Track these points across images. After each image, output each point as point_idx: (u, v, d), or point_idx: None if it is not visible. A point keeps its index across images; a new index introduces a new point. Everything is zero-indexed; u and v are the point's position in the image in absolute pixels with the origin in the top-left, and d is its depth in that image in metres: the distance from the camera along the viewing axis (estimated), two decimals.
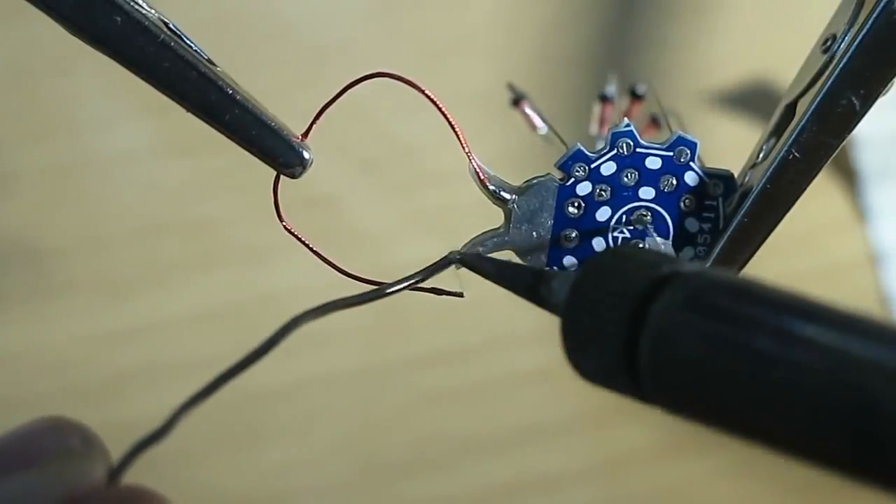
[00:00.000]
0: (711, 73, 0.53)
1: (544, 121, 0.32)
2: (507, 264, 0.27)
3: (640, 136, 0.28)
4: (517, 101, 0.33)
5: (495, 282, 0.27)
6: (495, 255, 0.28)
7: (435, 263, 0.27)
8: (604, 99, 0.34)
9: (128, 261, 0.52)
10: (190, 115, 0.26)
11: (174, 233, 0.53)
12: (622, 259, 0.23)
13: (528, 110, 0.33)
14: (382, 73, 0.27)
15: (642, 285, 0.21)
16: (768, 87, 0.52)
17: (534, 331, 0.51)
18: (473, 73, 0.54)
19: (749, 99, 0.52)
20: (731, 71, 0.53)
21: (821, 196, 0.51)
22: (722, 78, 0.53)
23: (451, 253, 0.27)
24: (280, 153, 0.27)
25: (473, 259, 0.27)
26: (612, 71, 0.37)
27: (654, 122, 0.33)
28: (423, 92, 0.27)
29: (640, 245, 0.28)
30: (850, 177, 0.52)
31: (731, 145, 0.51)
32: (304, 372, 0.52)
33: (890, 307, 0.52)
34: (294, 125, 0.27)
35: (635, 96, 0.33)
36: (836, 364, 0.19)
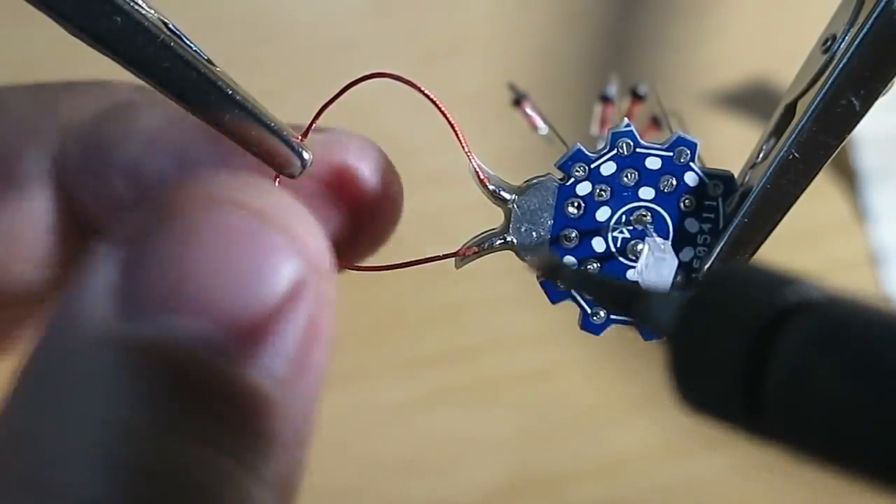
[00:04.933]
0: (711, 72, 0.53)
1: (545, 121, 0.32)
2: (592, 277, 0.27)
3: (640, 136, 0.28)
4: (518, 100, 0.33)
5: (575, 289, 0.27)
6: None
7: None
8: (605, 99, 0.34)
9: None
10: None
11: None
12: (739, 281, 0.21)
13: (529, 110, 0.33)
14: (382, 73, 0.27)
15: (767, 314, 0.19)
16: (768, 87, 0.52)
17: (534, 331, 0.51)
18: (473, 72, 0.54)
19: (749, 99, 0.52)
20: (730, 70, 0.53)
21: (821, 196, 0.51)
22: (722, 77, 0.53)
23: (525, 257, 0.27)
24: (279, 154, 0.27)
25: (553, 267, 0.27)
26: (613, 71, 0.37)
27: (655, 122, 0.33)
28: (422, 92, 0.27)
29: (644, 243, 0.28)
30: (850, 177, 0.52)
31: (731, 145, 0.51)
32: None
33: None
34: (294, 124, 0.27)
35: (636, 97, 0.33)
36: None
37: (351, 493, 0.51)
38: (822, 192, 0.51)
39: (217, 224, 0.22)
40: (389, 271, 0.29)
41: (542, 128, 0.32)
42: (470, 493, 0.51)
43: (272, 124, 0.26)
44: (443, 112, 0.27)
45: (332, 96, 0.27)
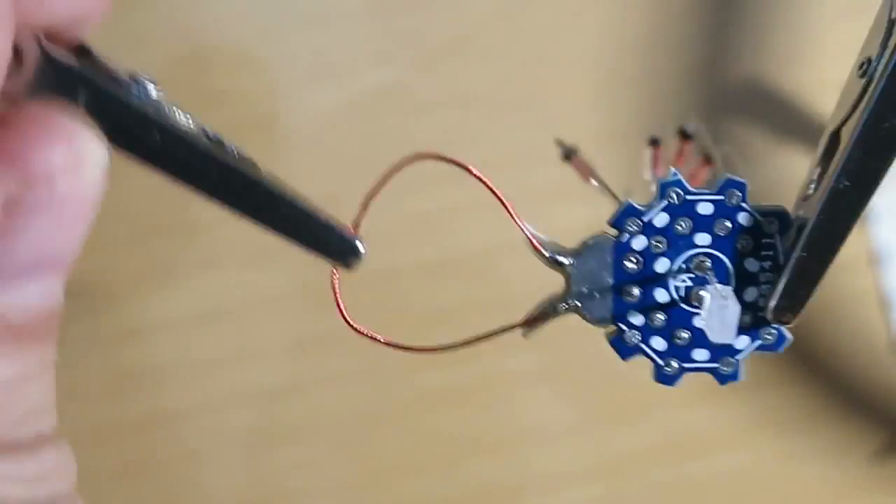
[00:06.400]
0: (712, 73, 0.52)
1: (596, 176, 0.33)
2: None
3: (690, 180, 0.28)
4: (568, 155, 0.34)
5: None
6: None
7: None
8: (654, 143, 0.34)
9: (129, 261, 0.53)
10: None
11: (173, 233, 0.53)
12: None
13: (580, 164, 0.33)
14: (429, 154, 0.28)
15: None
16: (768, 87, 0.52)
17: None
18: (474, 72, 0.54)
19: (749, 100, 0.52)
20: (735, 71, 0.52)
21: None
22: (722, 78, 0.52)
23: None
24: (334, 247, 0.27)
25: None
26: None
27: (707, 159, 0.33)
28: (469, 171, 0.28)
29: (706, 290, 0.28)
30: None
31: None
32: (303, 372, 0.52)
33: (889, 307, 0.51)
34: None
35: (685, 136, 0.34)
36: None
37: (351, 492, 0.51)
38: None
39: None
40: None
41: (595, 182, 0.33)
42: (470, 493, 0.51)
43: (323, 219, 0.27)
44: (492, 190, 0.28)
45: (376, 185, 0.28)
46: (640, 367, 0.50)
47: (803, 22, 0.51)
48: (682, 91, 0.52)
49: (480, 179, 0.28)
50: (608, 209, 0.49)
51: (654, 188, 0.29)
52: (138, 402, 0.51)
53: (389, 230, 0.52)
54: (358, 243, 0.27)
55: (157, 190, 0.54)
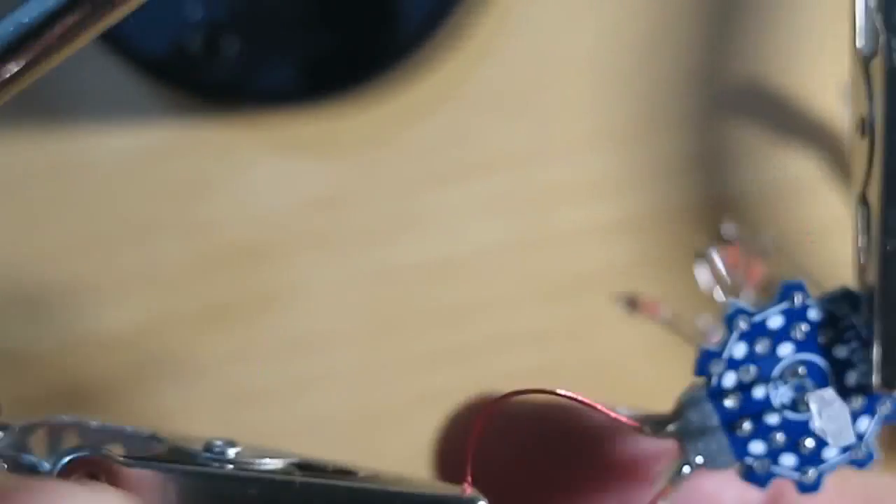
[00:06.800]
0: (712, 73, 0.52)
1: (665, 318, 0.33)
2: None
3: (748, 281, 0.29)
4: (634, 306, 0.34)
5: None
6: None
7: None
8: (703, 258, 0.34)
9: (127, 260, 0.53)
10: None
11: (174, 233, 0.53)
12: None
13: (647, 308, 0.34)
14: (545, 390, 0.28)
15: None
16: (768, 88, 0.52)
17: (534, 331, 0.51)
18: None
19: (751, 100, 0.52)
20: (735, 71, 0.52)
21: (821, 196, 0.50)
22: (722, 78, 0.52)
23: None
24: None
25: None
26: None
27: (754, 253, 0.34)
28: (592, 406, 0.28)
29: (808, 397, 0.28)
30: (850, 177, 0.50)
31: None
32: (303, 372, 0.52)
33: None
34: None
35: (726, 241, 0.34)
36: None
37: None
38: (822, 192, 0.50)
39: None
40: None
41: (665, 319, 0.33)
42: None
43: (430, 494, 0.27)
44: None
45: (479, 425, 0.28)
46: (640, 364, 0.49)
47: (803, 22, 0.51)
48: (682, 91, 0.52)
49: (595, 408, 0.28)
50: (608, 209, 0.49)
51: (718, 297, 0.29)
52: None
53: (389, 230, 0.52)
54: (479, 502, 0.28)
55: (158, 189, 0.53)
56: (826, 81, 0.49)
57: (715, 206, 0.51)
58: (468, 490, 0.28)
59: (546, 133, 0.52)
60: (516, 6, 0.51)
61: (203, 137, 0.51)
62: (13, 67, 0.26)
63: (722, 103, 0.51)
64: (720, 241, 0.34)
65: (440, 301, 0.52)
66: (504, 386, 0.51)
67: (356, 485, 0.28)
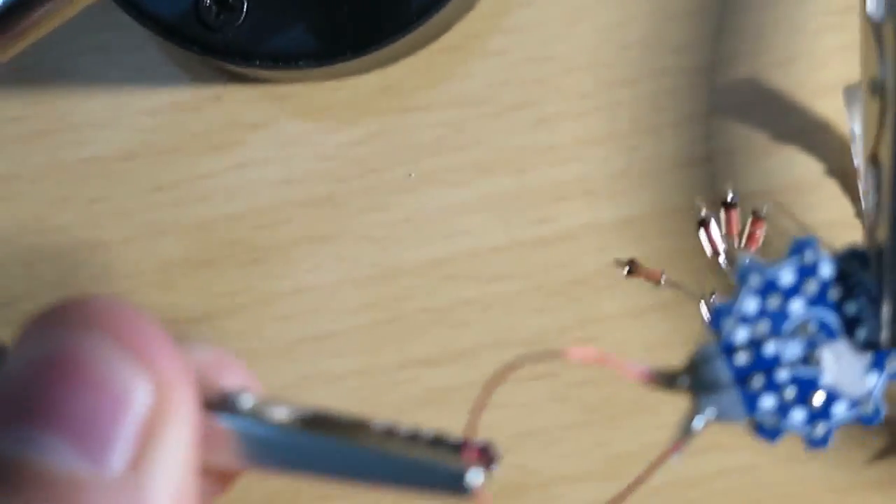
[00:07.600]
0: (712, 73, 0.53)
1: (666, 278, 0.33)
2: None
3: (749, 245, 0.29)
4: (632, 270, 0.34)
5: None
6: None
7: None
8: (702, 223, 0.34)
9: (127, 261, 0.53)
10: None
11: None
12: None
13: (646, 273, 0.34)
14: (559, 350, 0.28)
15: None
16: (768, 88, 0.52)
17: (534, 331, 0.51)
18: None
19: (751, 100, 0.52)
20: (735, 71, 0.53)
21: (821, 195, 0.50)
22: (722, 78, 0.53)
23: None
24: (449, 481, 0.27)
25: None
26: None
27: (756, 218, 0.34)
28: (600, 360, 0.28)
29: (821, 351, 0.29)
30: (850, 176, 0.51)
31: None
32: (303, 372, 0.52)
33: None
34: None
35: (728, 205, 0.34)
36: None
37: (351, 492, 0.51)
38: (822, 191, 0.50)
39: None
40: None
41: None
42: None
43: (433, 462, 0.27)
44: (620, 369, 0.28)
45: (480, 398, 0.28)
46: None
47: (803, 22, 0.51)
48: (682, 91, 0.52)
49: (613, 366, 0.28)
50: (608, 209, 0.49)
51: (723, 264, 0.30)
52: None
53: (389, 230, 0.52)
54: (470, 475, 0.27)
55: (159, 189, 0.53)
56: (826, 82, 0.49)
57: (715, 206, 0.51)
58: (474, 454, 0.28)
59: (546, 133, 0.52)
60: (516, 6, 0.52)
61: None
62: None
63: (722, 103, 0.51)
64: (724, 206, 0.34)
65: (440, 301, 0.52)
66: (503, 387, 0.51)
67: (359, 444, 0.27)
